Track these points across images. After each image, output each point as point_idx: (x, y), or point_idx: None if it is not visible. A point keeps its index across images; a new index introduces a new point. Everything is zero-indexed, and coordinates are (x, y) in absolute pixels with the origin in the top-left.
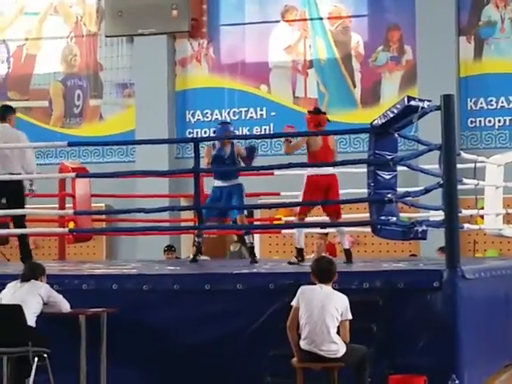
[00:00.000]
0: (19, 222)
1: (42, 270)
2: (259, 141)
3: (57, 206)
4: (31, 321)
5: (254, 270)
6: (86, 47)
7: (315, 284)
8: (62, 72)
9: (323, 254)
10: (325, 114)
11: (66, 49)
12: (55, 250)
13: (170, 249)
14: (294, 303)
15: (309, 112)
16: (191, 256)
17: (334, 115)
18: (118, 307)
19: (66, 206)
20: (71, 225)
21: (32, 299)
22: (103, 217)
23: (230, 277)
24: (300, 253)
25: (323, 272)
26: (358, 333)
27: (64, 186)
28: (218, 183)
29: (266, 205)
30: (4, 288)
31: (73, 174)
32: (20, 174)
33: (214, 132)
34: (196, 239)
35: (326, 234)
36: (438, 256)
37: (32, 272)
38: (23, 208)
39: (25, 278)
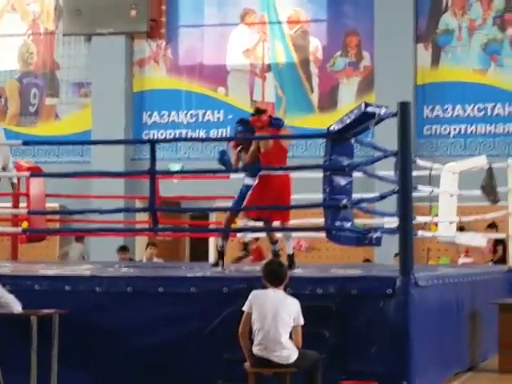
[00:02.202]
0: None
1: None
2: (215, 143)
3: (10, 204)
4: None
5: (208, 274)
6: (43, 45)
7: (267, 288)
8: (18, 70)
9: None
10: (265, 111)
11: (23, 47)
12: (8, 249)
13: (123, 249)
14: (245, 308)
15: (252, 115)
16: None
17: (291, 119)
18: (71, 309)
19: (20, 205)
20: (25, 224)
21: None
22: (57, 217)
23: (184, 280)
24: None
25: (274, 275)
26: (310, 338)
27: (18, 185)
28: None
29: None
30: None
31: (27, 173)
32: None
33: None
34: (220, 243)
35: (257, 239)
36: (394, 262)
37: None
38: None
39: None
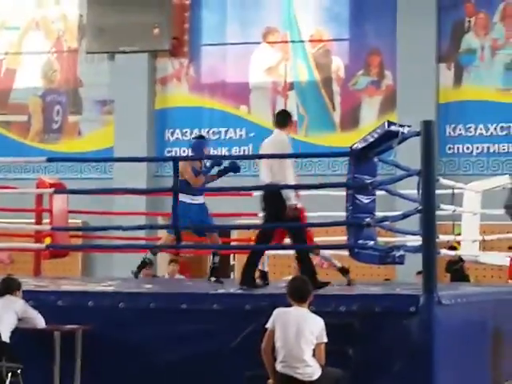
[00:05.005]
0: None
1: (17, 284)
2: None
3: (34, 221)
4: (5, 336)
5: (231, 291)
6: (66, 63)
7: (291, 305)
8: (42, 87)
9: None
10: None
11: (47, 64)
12: (30, 265)
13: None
14: (268, 325)
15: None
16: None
17: (313, 138)
18: (94, 324)
19: (43, 221)
20: (48, 240)
21: (7, 314)
22: (80, 233)
23: (207, 297)
24: (265, 276)
25: (298, 292)
26: (333, 356)
27: (41, 201)
28: (187, 199)
29: (242, 225)
30: None
31: (51, 190)
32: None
33: (191, 147)
34: (212, 260)
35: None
36: (416, 280)
37: (7, 287)
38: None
39: (0, 292)
